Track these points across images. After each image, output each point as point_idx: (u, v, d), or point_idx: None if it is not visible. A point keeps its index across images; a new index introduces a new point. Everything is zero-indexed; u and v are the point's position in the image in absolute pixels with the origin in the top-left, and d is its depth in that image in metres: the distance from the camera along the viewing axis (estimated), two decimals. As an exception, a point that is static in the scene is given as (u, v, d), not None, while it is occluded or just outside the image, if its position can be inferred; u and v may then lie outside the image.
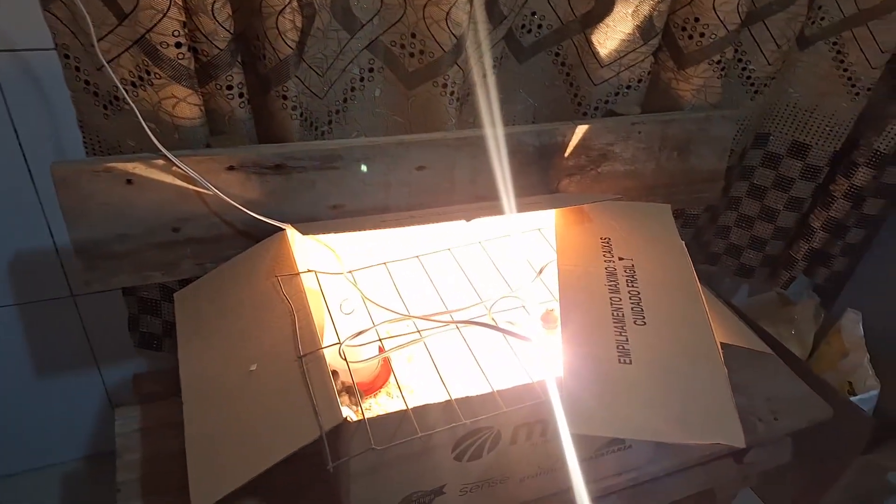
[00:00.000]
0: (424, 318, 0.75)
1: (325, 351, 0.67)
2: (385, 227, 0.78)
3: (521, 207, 0.89)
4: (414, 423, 0.63)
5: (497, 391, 0.67)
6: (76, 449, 0.90)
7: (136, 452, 0.84)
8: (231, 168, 0.82)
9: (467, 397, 0.67)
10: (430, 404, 0.67)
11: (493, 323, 0.75)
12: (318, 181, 0.87)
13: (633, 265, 0.83)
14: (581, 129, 0.99)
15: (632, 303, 0.78)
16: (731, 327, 0.90)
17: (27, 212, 0.93)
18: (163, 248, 0.85)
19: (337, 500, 0.74)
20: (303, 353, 0.69)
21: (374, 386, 0.88)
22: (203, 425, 0.70)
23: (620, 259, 0.84)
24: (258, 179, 0.84)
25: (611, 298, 0.78)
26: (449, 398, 0.66)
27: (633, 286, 0.80)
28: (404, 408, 0.64)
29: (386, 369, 0.88)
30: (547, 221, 0.94)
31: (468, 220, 0.78)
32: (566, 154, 1.00)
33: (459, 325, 0.73)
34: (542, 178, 1.00)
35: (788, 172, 1.27)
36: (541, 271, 0.82)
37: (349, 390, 0.84)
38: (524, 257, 0.88)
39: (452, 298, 0.83)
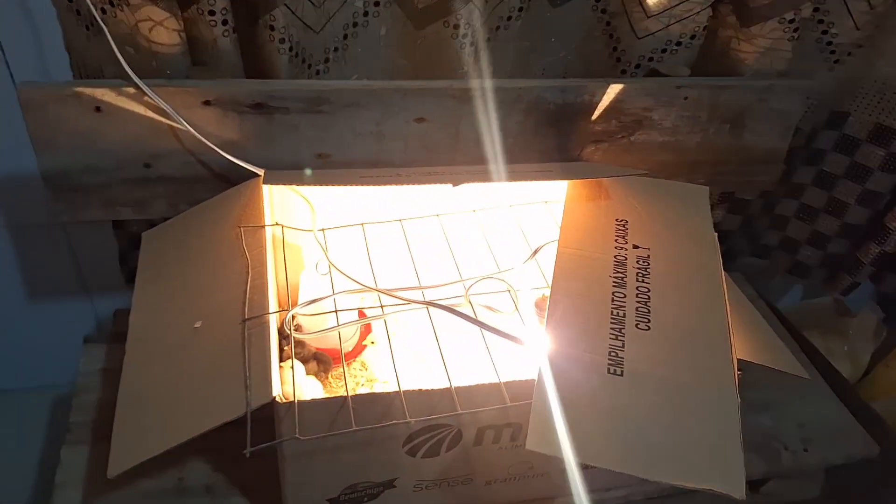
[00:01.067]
0: (388, 292, 0.66)
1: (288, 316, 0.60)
2: (362, 184, 0.69)
3: (528, 175, 0.78)
4: (351, 416, 0.55)
5: (455, 388, 0.58)
6: (68, 374, 0.88)
7: (95, 393, 0.81)
8: (207, 103, 0.75)
9: (422, 391, 0.58)
10: (378, 394, 0.59)
11: (469, 307, 0.66)
12: (302, 125, 0.78)
13: (648, 255, 0.71)
14: (615, 89, 0.86)
15: (638, 301, 0.66)
16: (762, 340, 0.77)
17: (15, 134, 0.89)
18: (134, 185, 0.79)
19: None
20: (247, 317, 0.62)
21: (348, 355, 0.81)
22: (138, 381, 0.64)
23: (635, 247, 0.72)
24: (237, 118, 0.76)
25: (613, 293, 0.67)
26: (398, 389, 0.58)
27: (643, 281, 0.68)
28: (344, 394, 0.57)
29: (361, 338, 0.81)
30: (558, 194, 0.82)
31: (455, 184, 0.68)
32: (594, 117, 0.88)
33: (429, 306, 0.64)
34: (561, 143, 0.88)
35: (867, 161, 1.08)
36: (536, 252, 0.72)
37: (318, 357, 0.78)
38: (522, 233, 0.77)
39: (433, 272, 0.74)
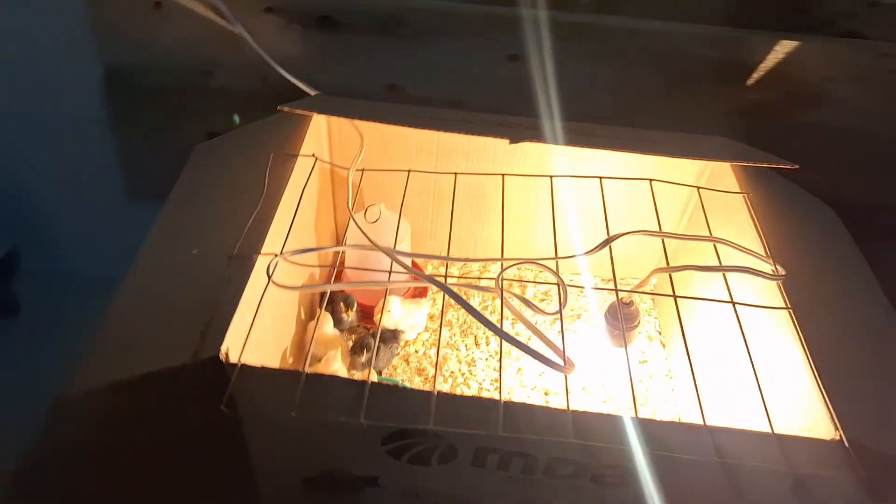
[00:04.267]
0: (399, 260, 0.53)
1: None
2: (408, 124, 0.56)
3: (632, 144, 0.60)
4: (296, 396, 0.45)
5: (437, 393, 0.45)
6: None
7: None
8: (269, 10, 0.66)
9: (397, 387, 0.46)
10: (342, 379, 0.48)
11: (501, 298, 0.51)
12: (374, 50, 0.67)
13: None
14: (786, 48, 0.63)
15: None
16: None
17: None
18: (194, 93, 0.73)
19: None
20: (234, 254, 0.53)
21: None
22: (129, 298, 0.59)
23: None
24: (300, 32, 0.67)
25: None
26: (367, 380, 0.46)
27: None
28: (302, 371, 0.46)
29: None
30: (668, 171, 0.63)
31: (513, 141, 0.52)
32: (751, 81, 0.66)
33: (440, 287, 0.50)
34: (699, 110, 0.67)
35: None
36: (607, 243, 0.54)
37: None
38: (605, 215, 0.59)
39: (474, 242, 0.59)
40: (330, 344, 0.71)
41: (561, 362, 0.47)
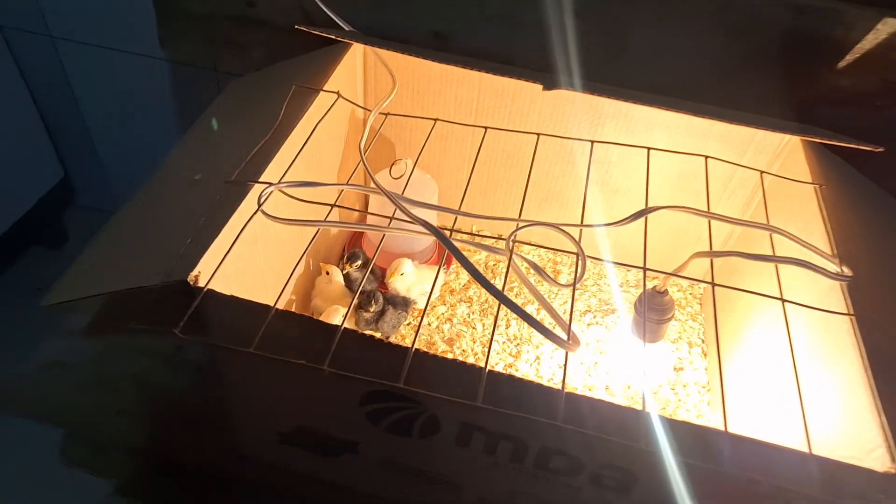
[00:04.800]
0: (416, 209, 0.47)
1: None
2: (442, 61, 0.51)
3: (684, 106, 0.52)
4: (260, 330, 0.40)
5: (413, 350, 0.40)
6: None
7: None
8: (316, -60, 0.62)
9: (373, 339, 0.41)
10: (317, 321, 0.43)
11: (510, 262, 0.44)
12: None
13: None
14: (891, 26, 0.54)
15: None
16: None
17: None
18: (236, 24, 0.70)
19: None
20: (232, 179, 0.49)
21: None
22: (129, 214, 0.57)
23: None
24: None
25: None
26: (341, 324, 0.41)
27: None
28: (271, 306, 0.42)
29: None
30: (735, 154, 0.55)
31: (546, 88, 0.46)
32: (842, 63, 0.57)
33: (442, 239, 0.44)
34: (779, 90, 0.59)
35: None
36: (639, 216, 0.46)
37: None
38: (646, 188, 0.52)
39: (494, 200, 0.53)
40: (335, 299, 0.66)
41: (565, 337, 0.41)
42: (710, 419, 0.65)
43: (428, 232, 0.43)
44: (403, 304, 0.67)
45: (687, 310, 0.76)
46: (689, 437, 0.38)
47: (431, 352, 0.70)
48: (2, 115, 0.96)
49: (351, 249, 0.70)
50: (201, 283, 0.43)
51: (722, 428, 0.39)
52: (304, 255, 0.52)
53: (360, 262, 0.69)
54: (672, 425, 0.38)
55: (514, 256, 0.46)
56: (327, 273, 0.66)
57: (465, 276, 0.75)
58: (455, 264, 0.76)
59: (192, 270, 0.43)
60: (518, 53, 0.63)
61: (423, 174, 0.70)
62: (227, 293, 0.43)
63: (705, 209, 0.51)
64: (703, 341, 0.72)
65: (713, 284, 0.45)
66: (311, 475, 0.45)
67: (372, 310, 0.64)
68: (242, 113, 0.64)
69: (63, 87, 0.98)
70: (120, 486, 0.46)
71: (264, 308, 0.42)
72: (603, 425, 0.40)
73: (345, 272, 0.68)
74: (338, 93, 0.58)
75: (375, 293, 0.65)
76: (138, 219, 0.55)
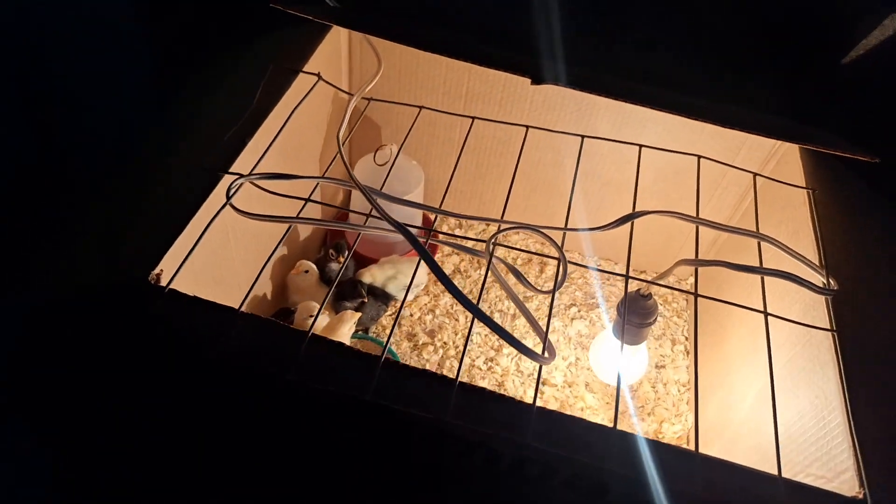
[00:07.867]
0: (398, 206, 0.46)
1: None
2: (428, 49, 0.49)
3: (683, 108, 0.50)
4: (230, 333, 0.39)
5: (383, 360, 0.39)
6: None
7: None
8: None
9: (341, 346, 0.40)
10: (282, 326, 0.41)
11: (491, 266, 0.43)
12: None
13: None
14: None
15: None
16: None
17: None
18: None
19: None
20: (208, 166, 0.47)
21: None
22: (105, 205, 0.55)
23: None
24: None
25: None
26: (308, 330, 0.40)
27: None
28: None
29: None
30: (728, 155, 0.53)
31: (535, 82, 0.44)
32: (846, 60, 0.55)
33: (413, 242, 0.42)
34: (766, 81, 0.57)
35: None
36: (624, 221, 0.45)
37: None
38: (636, 187, 0.50)
39: (477, 198, 0.51)
40: (311, 294, 0.65)
41: (539, 350, 0.40)
42: (688, 420, 0.64)
43: (402, 234, 0.41)
44: (384, 295, 0.66)
45: (672, 305, 0.74)
46: (660, 457, 0.37)
47: (413, 342, 0.69)
48: None
49: (335, 241, 0.69)
50: (163, 283, 0.41)
51: (693, 448, 0.38)
52: (278, 248, 0.51)
53: (348, 254, 0.67)
54: (644, 445, 0.37)
55: (494, 259, 0.44)
56: (306, 272, 0.64)
57: (449, 265, 0.74)
58: (440, 253, 0.74)
59: (153, 268, 0.41)
60: (511, 30, 0.60)
61: (408, 160, 0.68)
62: (193, 292, 0.42)
63: (696, 209, 0.49)
64: (686, 339, 0.71)
65: (696, 295, 0.44)
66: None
67: (351, 302, 0.63)
68: (219, 93, 0.61)
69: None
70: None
71: (228, 311, 0.40)
72: (572, 442, 0.39)
73: (331, 265, 0.66)
74: (318, 74, 0.55)
75: (357, 284, 0.64)
76: (114, 207, 0.53)
